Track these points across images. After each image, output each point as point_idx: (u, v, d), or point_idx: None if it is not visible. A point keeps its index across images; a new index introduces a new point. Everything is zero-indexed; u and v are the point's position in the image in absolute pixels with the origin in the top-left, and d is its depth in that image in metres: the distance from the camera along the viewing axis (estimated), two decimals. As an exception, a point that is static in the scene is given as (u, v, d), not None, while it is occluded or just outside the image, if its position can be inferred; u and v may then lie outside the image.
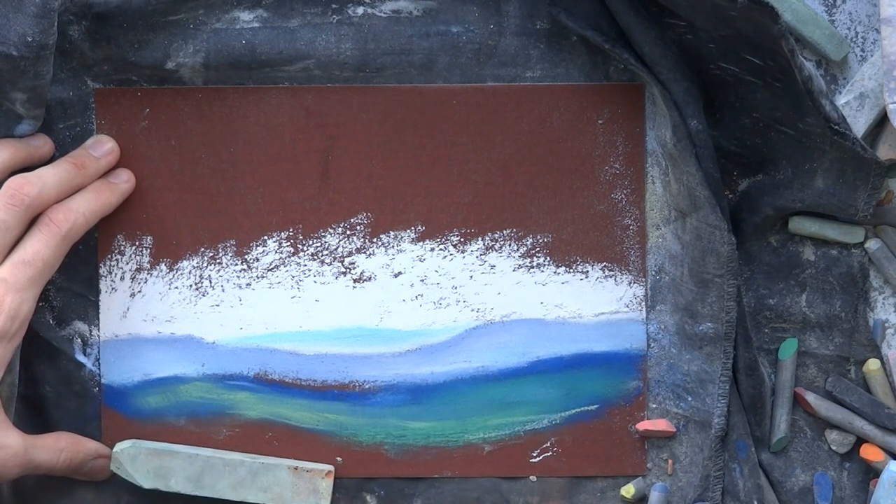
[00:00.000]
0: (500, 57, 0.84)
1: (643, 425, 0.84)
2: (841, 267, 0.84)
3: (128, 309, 0.85)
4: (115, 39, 0.83)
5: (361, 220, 0.85)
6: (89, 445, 0.83)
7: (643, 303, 0.85)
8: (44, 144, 0.83)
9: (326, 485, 0.84)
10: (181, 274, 0.85)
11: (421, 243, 0.85)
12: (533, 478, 0.85)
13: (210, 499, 0.84)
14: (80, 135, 0.84)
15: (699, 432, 0.83)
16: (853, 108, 0.82)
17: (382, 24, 0.83)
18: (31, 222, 0.79)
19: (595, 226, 0.84)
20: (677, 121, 0.80)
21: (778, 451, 0.84)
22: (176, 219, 0.85)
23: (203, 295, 0.85)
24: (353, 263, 0.85)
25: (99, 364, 0.85)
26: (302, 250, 0.85)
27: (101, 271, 0.85)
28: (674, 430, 0.84)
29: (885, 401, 0.83)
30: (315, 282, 0.85)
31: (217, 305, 0.85)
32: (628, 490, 0.84)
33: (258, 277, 0.85)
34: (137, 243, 0.85)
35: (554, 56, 0.84)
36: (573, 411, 0.85)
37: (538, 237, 0.84)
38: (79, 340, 0.85)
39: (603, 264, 0.85)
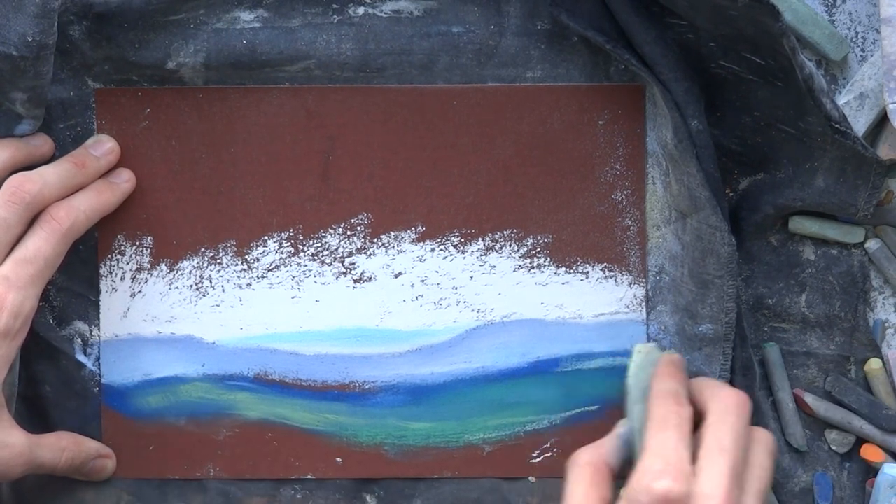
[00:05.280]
0: (501, 57, 0.84)
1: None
2: (841, 267, 0.84)
3: (128, 309, 0.85)
4: (115, 39, 0.83)
5: (362, 220, 0.85)
6: (90, 445, 0.83)
7: (643, 303, 0.85)
8: (44, 144, 0.83)
9: None
10: (181, 274, 0.85)
11: (421, 244, 0.85)
12: (532, 478, 0.85)
13: (212, 497, 0.84)
14: (80, 135, 0.84)
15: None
16: (853, 108, 0.82)
17: (383, 24, 0.84)
18: (32, 221, 0.79)
19: (595, 226, 0.84)
20: (678, 121, 0.80)
21: (781, 452, 0.84)
22: (176, 219, 0.85)
23: (203, 295, 0.85)
24: (354, 264, 0.85)
25: (99, 364, 0.85)
26: (302, 250, 0.85)
27: (101, 271, 0.85)
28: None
29: (886, 401, 0.84)
30: (315, 282, 0.85)
31: (217, 306, 0.85)
32: (628, 491, 0.84)
33: (258, 278, 0.85)
34: (138, 243, 0.85)
35: (555, 56, 0.84)
36: (573, 412, 0.85)
37: (538, 238, 0.84)
38: (79, 340, 0.85)
39: (603, 265, 0.85)
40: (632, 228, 0.84)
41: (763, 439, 0.75)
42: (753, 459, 0.73)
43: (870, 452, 0.84)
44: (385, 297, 0.85)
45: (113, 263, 0.85)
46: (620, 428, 0.77)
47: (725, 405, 0.74)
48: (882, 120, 0.82)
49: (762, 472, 0.73)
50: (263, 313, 0.85)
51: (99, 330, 0.85)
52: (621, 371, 0.84)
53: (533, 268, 0.85)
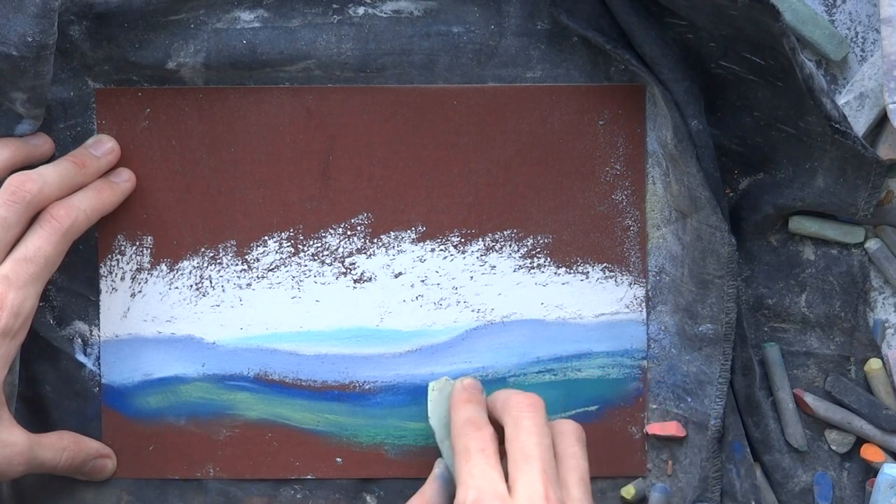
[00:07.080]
0: (501, 57, 0.84)
1: (653, 428, 0.84)
2: (841, 267, 0.84)
3: (128, 309, 0.85)
4: (115, 39, 0.83)
5: (362, 220, 0.85)
6: (91, 445, 0.83)
7: (643, 303, 0.85)
8: (44, 143, 0.83)
9: None
10: (181, 274, 0.85)
11: (421, 244, 0.85)
12: (533, 479, 0.85)
13: (212, 497, 0.84)
14: (80, 135, 0.84)
15: (697, 433, 0.83)
16: (853, 108, 0.82)
17: (383, 24, 0.84)
18: (32, 220, 0.79)
19: (596, 226, 0.84)
20: (678, 121, 0.80)
21: (781, 452, 0.84)
22: (176, 219, 0.85)
23: (203, 295, 0.85)
24: (354, 264, 0.85)
25: (99, 364, 0.85)
26: (302, 251, 0.85)
27: (101, 271, 0.85)
28: (684, 433, 0.84)
29: (886, 400, 0.84)
30: (315, 282, 0.85)
31: (217, 306, 0.85)
32: (628, 491, 0.84)
33: (259, 278, 0.85)
34: (138, 243, 0.85)
35: (555, 57, 0.84)
36: (573, 412, 0.85)
37: (539, 238, 0.84)
38: (79, 340, 0.85)
39: (603, 265, 0.85)
40: (632, 228, 0.84)
41: (567, 430, 0.76)
42: (563, 451, 0.74)
43: (870, 452, 0.84)
44: (385, 297, 0.85)
45: (113, 263, 0.85)
46: (437, 469, 0.78)
47: (517, 411, 0.75)
48: (882, 120, 0.82)
49: (576, 461, 0.74)
50: (263, 313, 0.85)
51: (99, 330, 0.85)
52: (622, 371, 0.85)
53: (533, 268, 0.85)
